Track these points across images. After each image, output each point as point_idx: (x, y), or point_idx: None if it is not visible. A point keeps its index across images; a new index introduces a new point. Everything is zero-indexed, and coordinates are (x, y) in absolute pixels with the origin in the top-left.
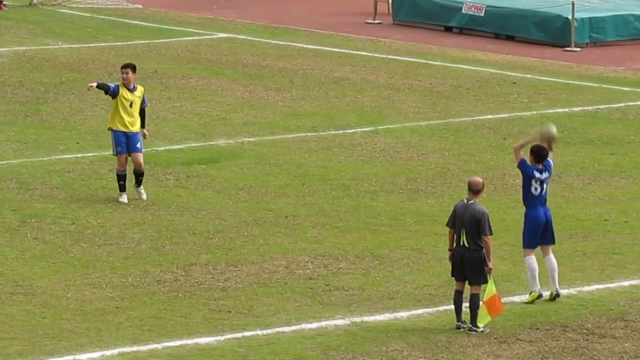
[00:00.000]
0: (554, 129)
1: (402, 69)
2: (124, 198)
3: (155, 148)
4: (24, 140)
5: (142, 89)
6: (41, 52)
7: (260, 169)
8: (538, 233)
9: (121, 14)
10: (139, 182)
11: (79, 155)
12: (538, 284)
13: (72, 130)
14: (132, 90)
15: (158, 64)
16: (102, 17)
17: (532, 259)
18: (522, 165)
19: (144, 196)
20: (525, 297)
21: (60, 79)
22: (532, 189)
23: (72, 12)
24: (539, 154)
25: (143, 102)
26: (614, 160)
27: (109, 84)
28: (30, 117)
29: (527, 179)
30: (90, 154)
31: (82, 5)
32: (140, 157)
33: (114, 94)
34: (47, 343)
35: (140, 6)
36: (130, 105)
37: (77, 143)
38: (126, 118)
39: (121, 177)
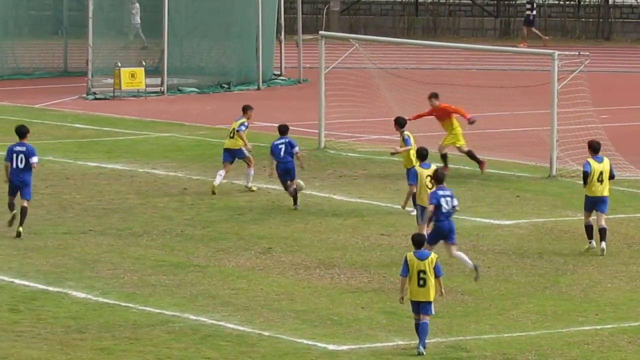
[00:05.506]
0: None
1: None
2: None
3: None
4: (542, 311)
5: None
6: (560, 224)
7: None
8: None
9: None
10: None
11: (598, 327)
12: None
13: (591, 302)
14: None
15: None
16: (622, 189)
17: None
18: None
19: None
20: None
21: (579, 251)
22: None
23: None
24: None
25: None
26: None
27: None
28: (549, 289)
29: None
30: (609, 326)
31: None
32: None
33: None
34: None
35: None
36: None
37: (596, 315)
38: None
39: None
